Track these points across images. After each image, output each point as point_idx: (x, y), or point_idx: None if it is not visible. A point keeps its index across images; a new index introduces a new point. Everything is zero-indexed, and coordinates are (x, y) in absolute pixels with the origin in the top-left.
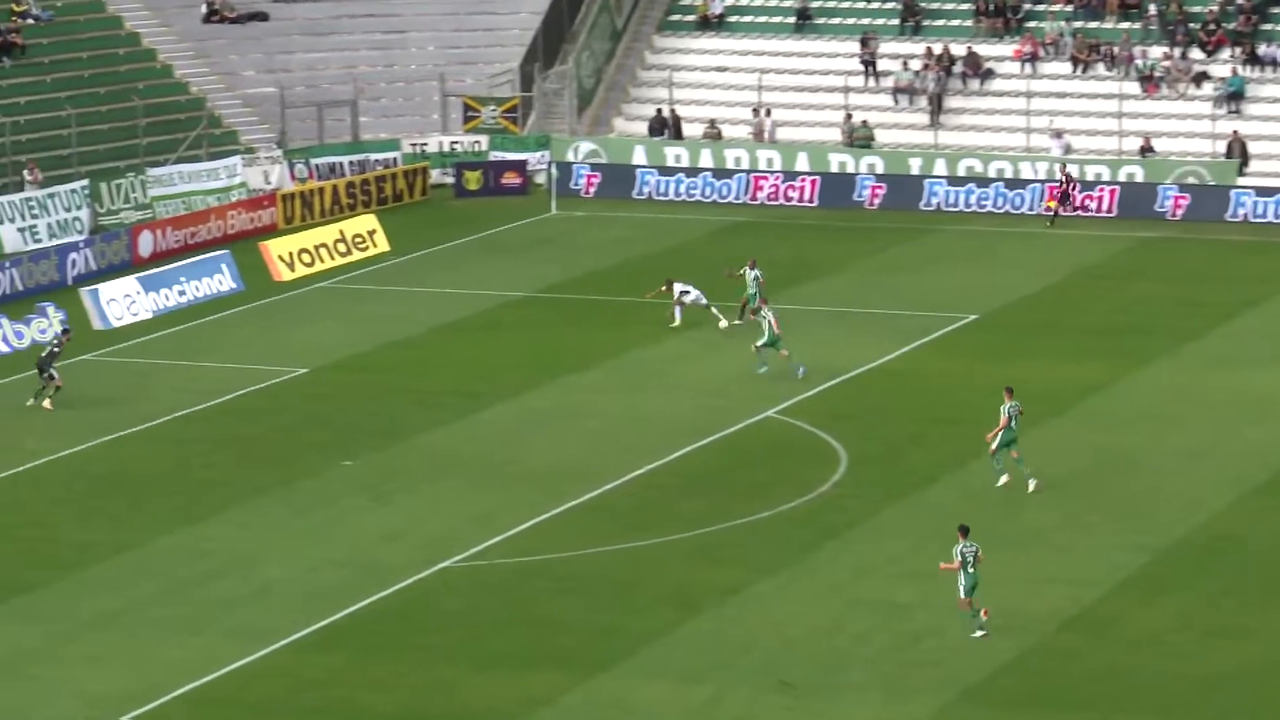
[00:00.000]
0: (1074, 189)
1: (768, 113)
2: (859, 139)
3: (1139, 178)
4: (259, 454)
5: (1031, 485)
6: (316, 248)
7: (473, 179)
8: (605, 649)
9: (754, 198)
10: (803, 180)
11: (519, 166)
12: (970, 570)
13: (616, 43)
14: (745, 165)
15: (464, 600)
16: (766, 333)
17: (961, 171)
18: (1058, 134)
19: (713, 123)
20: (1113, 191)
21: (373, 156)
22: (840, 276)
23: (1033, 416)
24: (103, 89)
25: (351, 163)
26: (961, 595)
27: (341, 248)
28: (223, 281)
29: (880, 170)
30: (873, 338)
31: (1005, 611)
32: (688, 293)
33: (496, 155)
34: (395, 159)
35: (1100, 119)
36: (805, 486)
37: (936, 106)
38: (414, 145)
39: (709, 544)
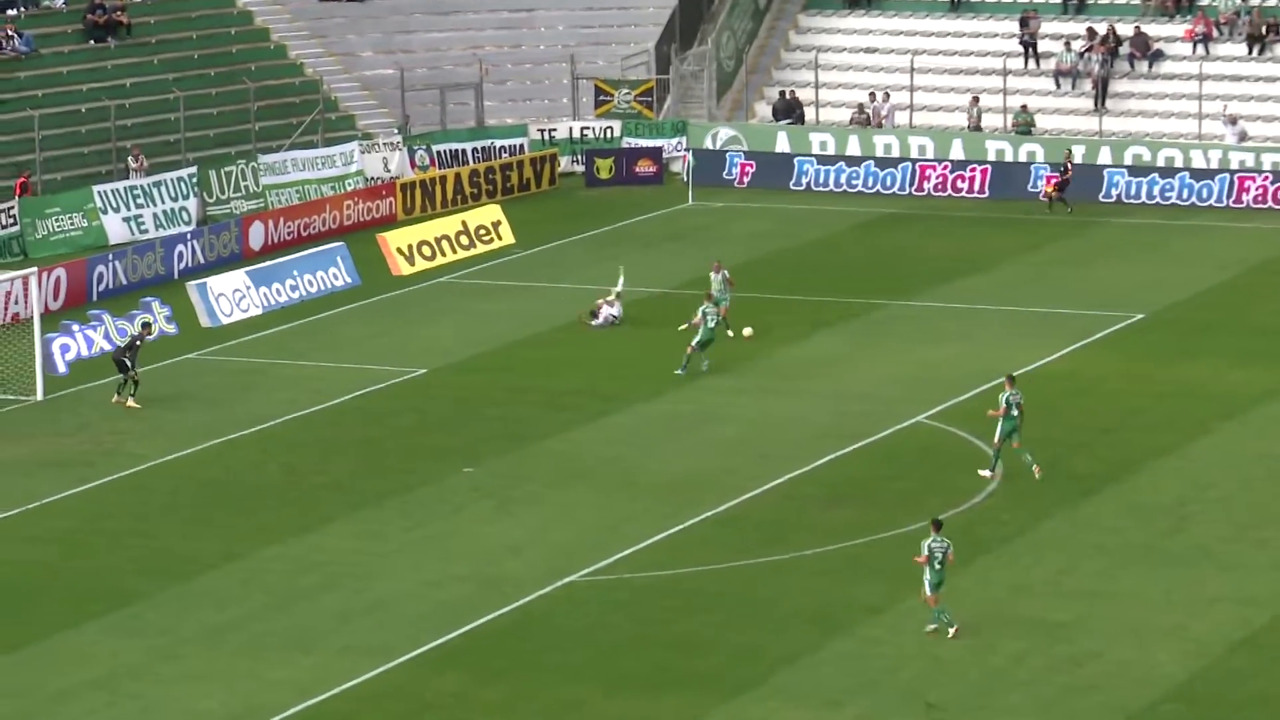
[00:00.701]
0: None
1: (885, 97)
2: (1019, 124)
3: None
4: (375, 459)
5: (1036, 473)
6: (438, 240)
7: (604, 167)
8: (742, 671)
9: (920, 188)
10: (973, 170)
11: (654, 154)
12: (937, 567)
13: (759, 22)
14: (896, 152)
15: (591, 617)
16: (701, 330)
17: (1128, 160)
18: (1232, 120)
19: (861, 107)
20: None
21: (498, 143)
22: (1000, 272)
23: (1203, 422)
24: (212, 71)
25: (475, 150)
26: (927, 591)
27: (464, 240)
28: (338, 276)
29: (1041, 158)
30: (1033, 337)
31: (1170, 633)
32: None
33: (630, 142)
34: (522, 146)
35: (1278, 103)
36: (958, 497)
37: (1101, 90)
38: (542, 131)
39: (854, 558)
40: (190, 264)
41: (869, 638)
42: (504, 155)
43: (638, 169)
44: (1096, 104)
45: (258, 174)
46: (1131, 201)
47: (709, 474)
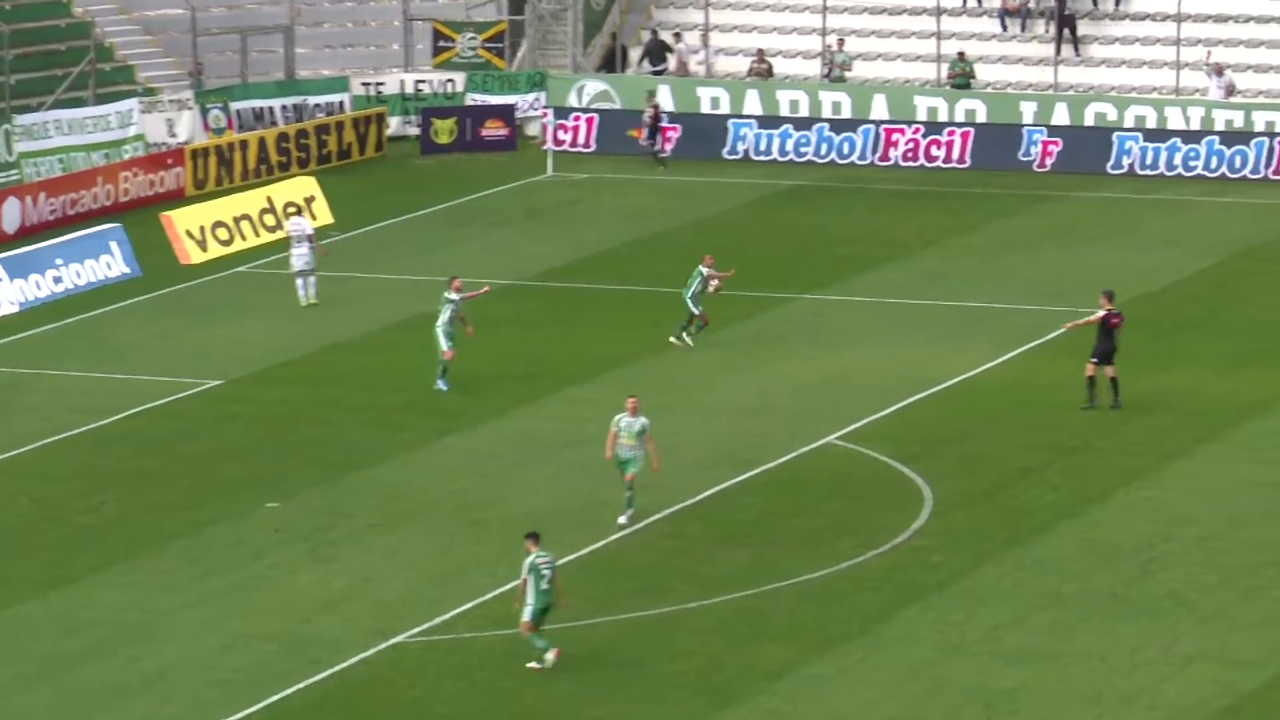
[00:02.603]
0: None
1: (703, 41)
2: (956, 76)
3: None
4: (157, 493)
5: (624, 519)
6: (237, 220)
7: (444, 130)
8: None
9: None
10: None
11: (505, 113)
12: (544, 587)
13: None
14: (805, 110)
15: (425, 686)
16: (442, 339)
17: (1089, 119)
18: (1218, 70)
19: (761, 55)
20: None
21: (312, 100)
22: (931, 257)
23: (1181, 443)
24: None
25: (284, 108)
26: (526, 618)
27: (270, 220)
28: (112, 265)
29: (984, 116)
30: (969, 339)
31: (1136, 699)
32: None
33: (475, 98)
34: (342, 103)
35: (1274, 50)
36: (877, 535)
37: (1058, 34)
38: (367, 85)
39: (750, 612)
40: None
41: (767, 709)
42: (320, 115)
43: (485, 132)
44: (1058, 49)
45: (11, 139)
46: (1094, 172)
47: (572, 509)
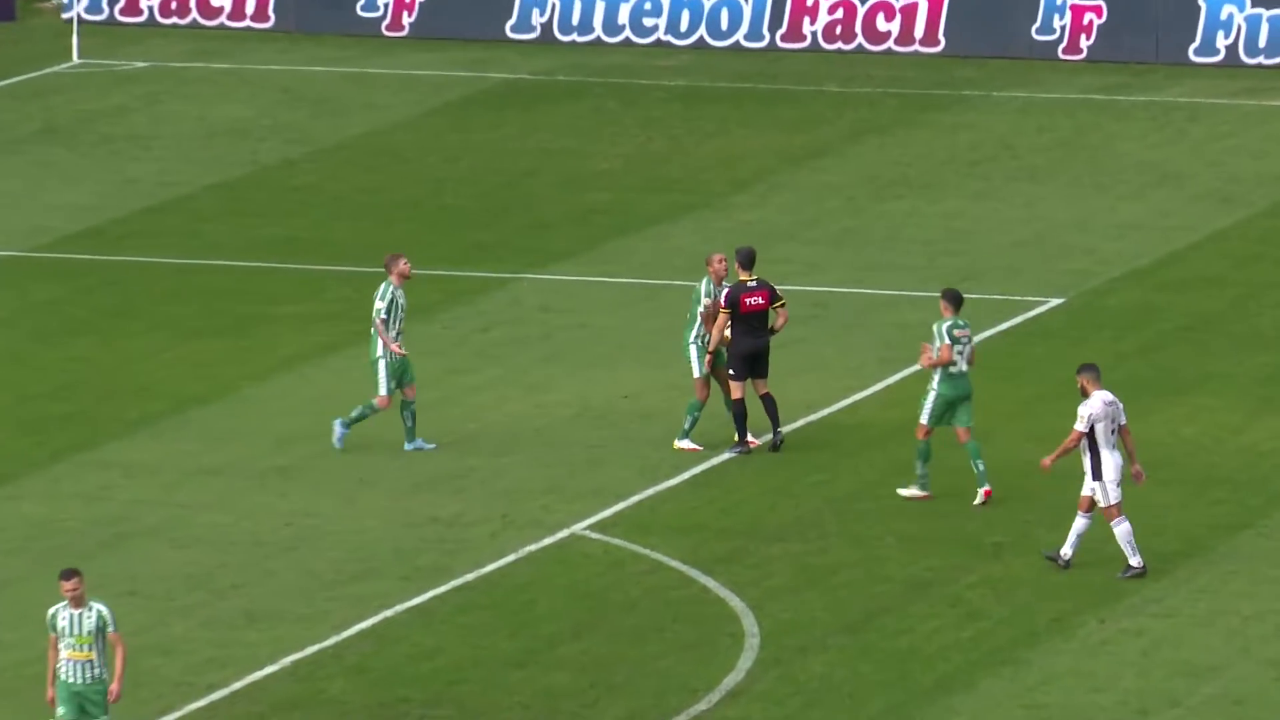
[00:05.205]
0: None
1: None
2: None
3: None
4: None
5: None
6: None
7: None
8: None
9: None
10: None
11: None
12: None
13: None
14: None
15: None
16: (383, 375)
17: None
18: None
19: None
20: None
21: None
22: (745, 206)
23: (1189, 530)
24: None
25: None
26: None
27: None
28: None
29: None
30: (816, 350)
31: None
32: None
33: None
34: None
35: None
36: (662, 700)
37: None
38: None
39: None
40: None
41: None
42: None
43: None
44: None
45: None
46: (1043, 57)
47: (132, 652)
